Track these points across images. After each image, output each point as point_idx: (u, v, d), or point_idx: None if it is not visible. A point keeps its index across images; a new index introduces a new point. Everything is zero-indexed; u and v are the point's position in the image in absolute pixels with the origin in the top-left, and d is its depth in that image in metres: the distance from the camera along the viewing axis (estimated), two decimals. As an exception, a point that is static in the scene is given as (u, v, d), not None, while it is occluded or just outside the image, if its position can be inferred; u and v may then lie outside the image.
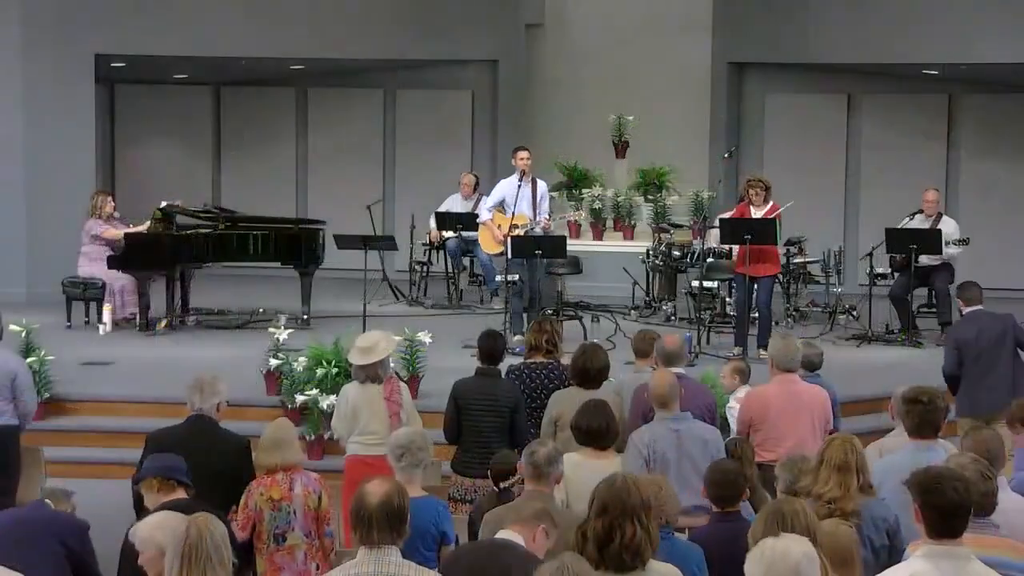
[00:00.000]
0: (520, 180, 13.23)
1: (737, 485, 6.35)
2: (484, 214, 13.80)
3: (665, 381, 7.50)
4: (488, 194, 15.37)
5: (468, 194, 15.74)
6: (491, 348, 8.56)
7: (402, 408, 8.37)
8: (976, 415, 9.33)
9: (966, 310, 10.18)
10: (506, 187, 13.43)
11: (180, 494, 6.20)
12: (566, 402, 8.03)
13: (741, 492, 6.39)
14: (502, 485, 7.05)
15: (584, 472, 6.73)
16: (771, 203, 12.65)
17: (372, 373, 8.40)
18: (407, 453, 6.64)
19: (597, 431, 7.15)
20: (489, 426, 8.26)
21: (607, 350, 9.06)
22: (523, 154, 13.35)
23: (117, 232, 13.90)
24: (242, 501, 7.06)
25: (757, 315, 12.73)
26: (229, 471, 7.24)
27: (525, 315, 12.80)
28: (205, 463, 7.00)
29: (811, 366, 8.95)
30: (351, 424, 8.39)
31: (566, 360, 8.80)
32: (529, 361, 8.90)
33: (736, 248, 12.77)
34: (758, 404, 8.13)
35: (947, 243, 13.34)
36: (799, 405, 8.04)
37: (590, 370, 8.23)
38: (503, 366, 8.77)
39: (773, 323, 12.87)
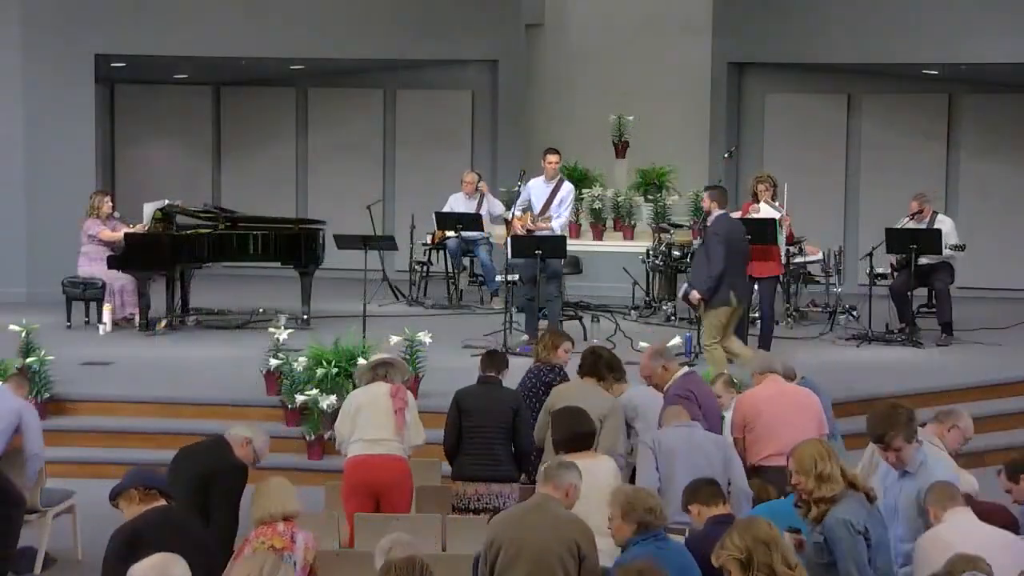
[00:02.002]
0: (520, 180, 13.30)
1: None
2: (515, 211, 13.79)
3: (673, 411, 7.86)
4: (490, 192, 15.83)
5: (471, 192, 15.71)
6: (493, 361, 8.61)
7: (407, 407, 8.33)
8: (738, 304, 11.11)
9: (717, 211, 11.20)
10: (528, 187, 13.47)
11: (161, 503, 6.21)
12: (563, 393, 8.33)
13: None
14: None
15: None
16: (777, 203, 12.64)
17: (381, 374, 8.44)
18: (396, 547, 5.99)
19: (577, 436, 7.29)
20: (492, 426, 8.27)
21: (607, 350, 9.14)
22: (551, 158, 13.27)
23: (113, 235, 13.89)
24: (236, 549, 6.87)
25: (758, 315, 12.73)
26: (226, 486, 7.34)
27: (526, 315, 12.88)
28: (209, 476, 7.29)
29: (791, 375, 9.00)
30: (352, 423, 8.31)
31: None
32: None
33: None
34: (750, 405, 8.34)
35: (946, 244, 13.33)
36: (787, 402, 8.25)
37: (586, 355, 8.56)
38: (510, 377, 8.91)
39: (774, 323, 12.86)
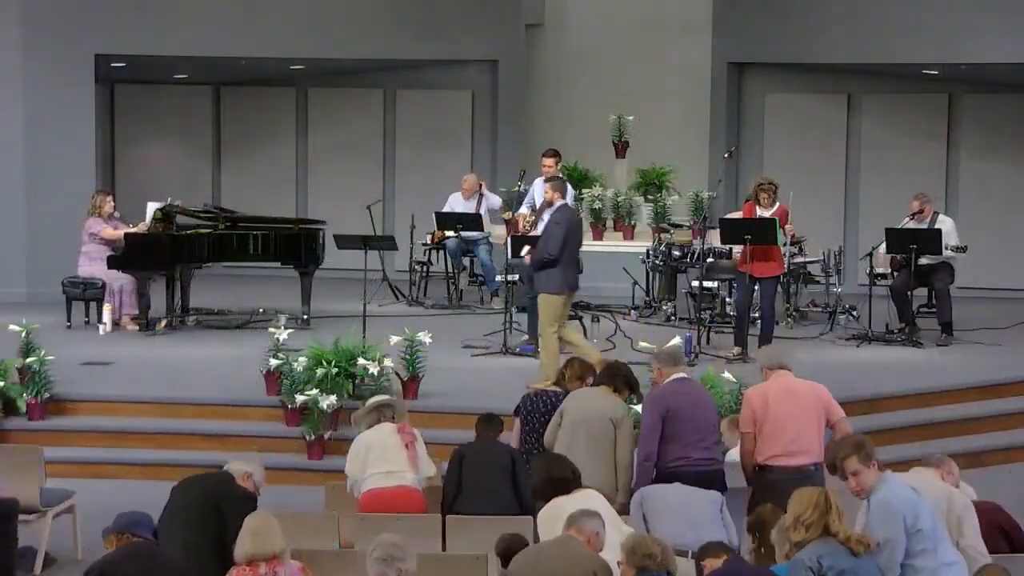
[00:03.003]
0: (520, 180, 13.37)
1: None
2: (522, 209, 13.81)
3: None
4: (490, 191, 15.89)
5: (468, 195, 15.72)
6: (490, 425, 8.61)
7: (416, 440, 8.38)
8: (571, 291, 11.50)
9: (559, 201, 11.69)
10: (533, 186, 13.61)
11: (135, 540, 6.66)
12: (578, 396, 8.51)
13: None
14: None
15: (563, 510, 6.90)
16: (778, 204, 12.66)
17: (388, 415, 8.51)
18: (379, 548, 5.95)
19: (561, 479, 7.36)
20: (494, 468, 8.23)
21: (607, 350, 9.14)
22: (546, 161, 13.48)
23: (115, 233, 13.89)
24: None
25: (758, 315, 12.73)
26: (240, 514, 7.33)
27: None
28: (221, 502, 7.35)
29: None
30: (364, 462, 8.30)
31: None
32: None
33: (738, 248, 12.76)
34: (759, 399, 8.25)
35: (946, 246, 13.34)
36: (796, 398, 8.20)
37: (605, 366, 8.75)
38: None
39: (774, 323, 12.86)
